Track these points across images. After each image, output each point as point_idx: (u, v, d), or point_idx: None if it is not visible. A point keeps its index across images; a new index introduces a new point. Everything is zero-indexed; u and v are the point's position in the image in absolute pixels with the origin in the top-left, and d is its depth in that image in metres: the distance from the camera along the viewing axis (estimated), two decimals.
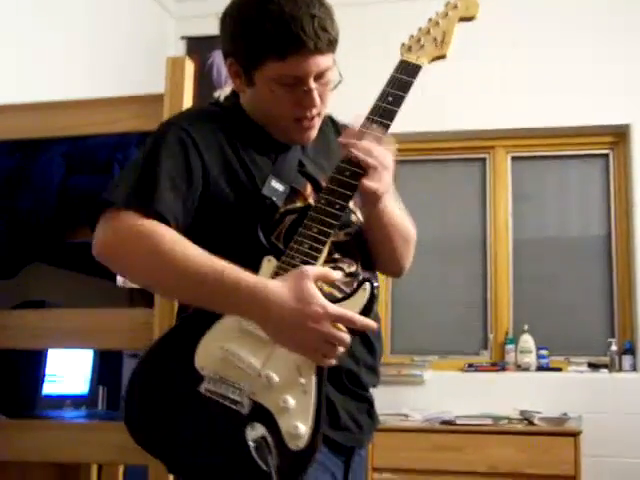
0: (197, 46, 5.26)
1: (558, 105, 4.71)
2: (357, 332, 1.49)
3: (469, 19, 1.77)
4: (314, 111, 1.65)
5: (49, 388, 2.92)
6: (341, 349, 1.45)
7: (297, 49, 1.56)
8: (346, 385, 1.62)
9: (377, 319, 1.60)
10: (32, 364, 2.85)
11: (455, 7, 1.76)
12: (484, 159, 5.02)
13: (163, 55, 3.01)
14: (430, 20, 1.75)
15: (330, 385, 1.55)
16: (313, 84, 1.61)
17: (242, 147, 1.66)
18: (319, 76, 1.62)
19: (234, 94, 1.79)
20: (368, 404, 1.71)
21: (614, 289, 4.70)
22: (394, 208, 1.71)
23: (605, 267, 4.75)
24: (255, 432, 1.45)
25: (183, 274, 1.48)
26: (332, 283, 1.55)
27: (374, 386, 1.72)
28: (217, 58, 5.24)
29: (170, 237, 1.50)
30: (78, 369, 3.14)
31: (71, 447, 2.28)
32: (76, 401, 3.05)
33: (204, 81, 5.12)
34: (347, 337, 1.44)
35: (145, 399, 1.54)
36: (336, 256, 1.63)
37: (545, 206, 4.95)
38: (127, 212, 1.51)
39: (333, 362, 1.46)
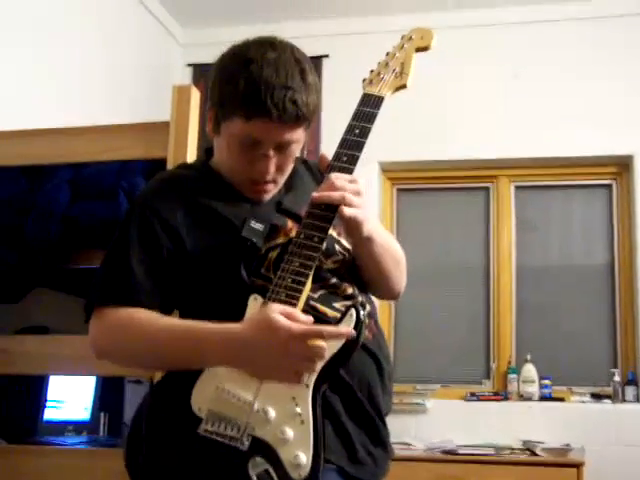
0: (203, 73, 5.29)
1: (562, 135, 4.73)
2: (352, 352, 1.48)
3: (425, 49, 1.82)
4: (267, 177, 1.67)
5: (50, 414, 2.92)
6: (319, 361, 1.45)
7: (261, 115, 1.57)
8: (366, 413, 1.62)
9: (380, 333, 1.66)
10: (33, 389, 2.85)
11: (410, 39, 1.82)
12: (488, 188, 5.03)
13: (169, 82, 3.03)
14: (388, 54, 1.80)
15: (349, 419, 1.57)
16: (271, 152, 1.63)
17: (215, 200, 1.68)
18: (281, 146, 1.64)
19: (206, 152, 1.82)
20: (384, 436, 1.71)
21: (617, 319, 4.69)
22: (381, 231, 1.71)
23: (608, 296, 4.75)
24: (257, 467, 1.45)
25: (160, 348, 1.58)
26: (329, 305, 1.58)
27: (387, 413, 1.71)
28: None
29: (141, 321, 1.59)
30: (80, 395, 3.14)
31: (72, 473, 2.27)
32: (77, 427, 3.05)
33: None
34: (321, 345, 1.42)
35: (149, 445, 1.54)
36: (333, 281, 1.64)
37: (548, 235, 4.95)
38: (107, 308, 1.62)
39: (306, 379, 1.46)
